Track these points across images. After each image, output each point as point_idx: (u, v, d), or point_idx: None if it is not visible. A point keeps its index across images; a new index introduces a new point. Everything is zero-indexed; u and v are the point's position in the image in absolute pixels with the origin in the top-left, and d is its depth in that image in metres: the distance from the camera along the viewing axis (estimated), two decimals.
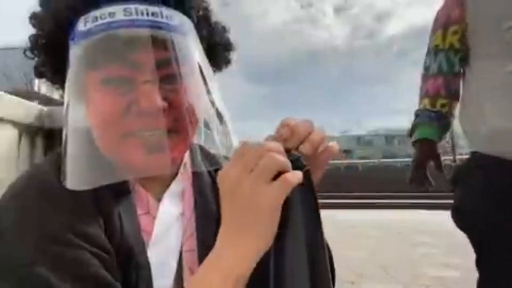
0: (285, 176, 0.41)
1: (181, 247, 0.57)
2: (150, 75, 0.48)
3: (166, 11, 0.49)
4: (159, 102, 0.48)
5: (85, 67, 0.49)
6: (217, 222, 0.61)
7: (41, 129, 1.17)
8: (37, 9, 0.54)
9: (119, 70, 0.49)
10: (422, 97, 1.33)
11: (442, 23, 1.26)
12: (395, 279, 3.27)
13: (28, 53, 0.56)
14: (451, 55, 1.26)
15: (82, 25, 0.48)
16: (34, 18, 0.54)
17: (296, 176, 0.41)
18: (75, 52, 0.49)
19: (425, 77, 1.33)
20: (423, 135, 1.30)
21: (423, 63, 1.37)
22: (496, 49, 1.13)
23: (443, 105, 1.28)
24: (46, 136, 1.17)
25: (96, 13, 0.47)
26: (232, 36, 0.63)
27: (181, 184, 0.61)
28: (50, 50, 0.54)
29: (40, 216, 0.46)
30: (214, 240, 0.60)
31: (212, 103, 0.52)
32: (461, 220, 1.16)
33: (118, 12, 0.47)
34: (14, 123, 1.07)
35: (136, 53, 0.48)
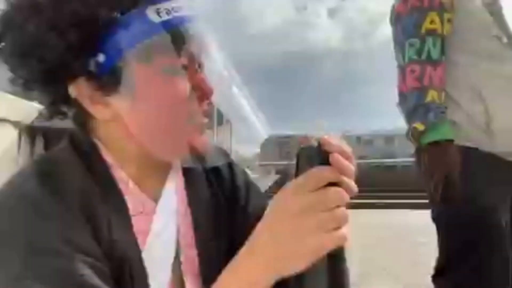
0: (345, 233, 0.40)
1: (178, 242, 0.57)
2: (199, 64, 0.54)
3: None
4: (213, 87, 0.54)
5: (154, 57, 0.50)
6: (214, 212, 0.63)
7: (41, 129, 1.17)
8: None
9: (182, 59, 0.52)
10: (425, 88, 1.14)
11: (436, 5, 1.15)
12: (395, 279, 3.27)
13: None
14: (444, 44, 1.17)
15: (155, 16, 0.49)
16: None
17: (348, 232, 0.41)
18: (149, 41, 0.49)
19: (421, 62, 1.15)
20: (448, 135, 1.12)
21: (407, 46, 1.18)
22: (491, 51, 1.14)
23: (443, 100, 1.15)
24: (46, 136, 1.17)
25: (167, 5, 0.50)
26: (228, 35, 0.66)
27: (175, 179, 0.61)
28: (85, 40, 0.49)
29: (26, 227, 0.44)
30: (212, 232, 0.61)
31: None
32: (477, 215, 1.14)
33: (184, 6, 0.51)
34: (14, 123, 1.07)
35: (194, 45, 0.53)
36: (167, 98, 0.51)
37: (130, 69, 0.49)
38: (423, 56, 1.15)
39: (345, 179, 0.42)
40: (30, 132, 1.14)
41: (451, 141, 1.12)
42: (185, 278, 0.56)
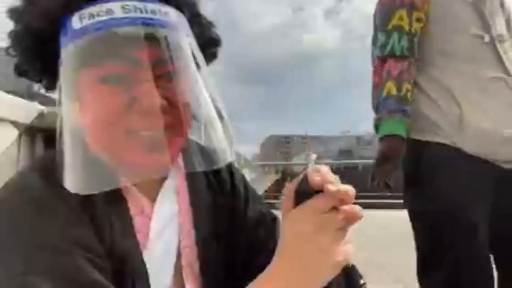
0: (352, 248, 0.43)
1: (179, 244, 0.57)
2: (150, 74, 0.48)
3: (163, 8, 0.49)
4: (160, 101, 0.48)
5: (82, 65, 0.48)
6: (215, 213, 0.62)
7: (41, 129, 1.17)
8: (17, 2, 0.52)
9: (119, 68, 0.48)
10: (383, 81, 1.17)
11: (406, 3, 1.16)
12: (395, 279, 3.27)
13: (11, 51, 0.54)
14: (414, 42, 1.18)
15: (77, 22, 0.47)
16: (17, 13, 0.52)
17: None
18: (70, 50, 0.48)
19: (383, 57, 1.19)
20: (394, 130, 1.15)
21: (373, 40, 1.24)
22: (469, 52, 1.14)
23: (408, 90, 1.16)
24: (46, 136, 1.17)
25: (93, 9, 0.46)
26: (225, 37, 0.63)
27: (175, 180, 0.60)
28: (36, 47, 0.52)
29: (30, 224, 0.45)
30: (213, 233, 0.60)
31: (210, 99, 0.52)
32: (448, 213, 1.14)
33: (116, 9, 0.46)
34: (14, 123, 1.07)
35: (136, 51, 0.47)
36: (101, 109, 0.49)
37: (74, 77, 0.49)
38: (386, 51, 1.18)
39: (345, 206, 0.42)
40: (30, 132, 1.14)
41: (399, 136, 1.16)
42: (186, 280, 0.57)
